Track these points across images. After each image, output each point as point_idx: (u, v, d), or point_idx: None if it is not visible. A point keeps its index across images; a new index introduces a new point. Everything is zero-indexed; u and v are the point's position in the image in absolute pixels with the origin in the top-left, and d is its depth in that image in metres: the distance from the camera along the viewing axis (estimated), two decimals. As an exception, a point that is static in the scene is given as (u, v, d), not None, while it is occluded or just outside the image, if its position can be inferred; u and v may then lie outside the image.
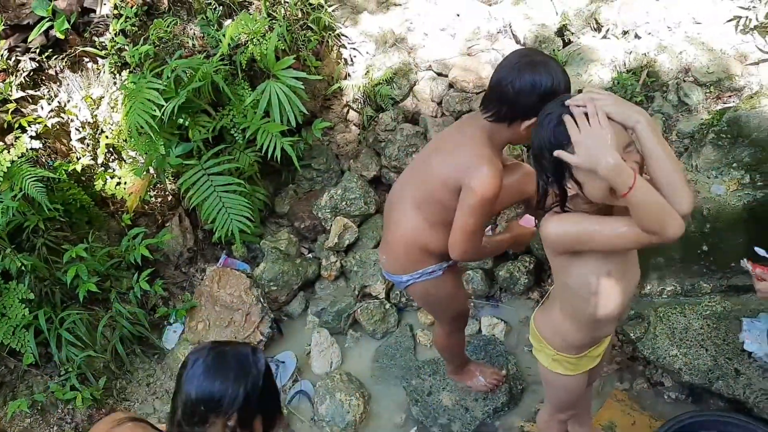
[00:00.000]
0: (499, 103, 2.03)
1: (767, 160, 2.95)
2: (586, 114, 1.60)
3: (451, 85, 4.13)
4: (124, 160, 3.87)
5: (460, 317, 2.73)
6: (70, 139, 3.82)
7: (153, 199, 3.92)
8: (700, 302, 2.95)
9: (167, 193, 3.95)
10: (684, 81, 3.40)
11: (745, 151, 3.00)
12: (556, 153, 1.63)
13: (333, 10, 4.42)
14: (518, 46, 4.31)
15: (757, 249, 2.40)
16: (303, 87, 3.72)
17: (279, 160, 3.74)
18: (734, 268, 2.94)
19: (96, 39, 3.77)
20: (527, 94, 1.95)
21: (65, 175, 3.55)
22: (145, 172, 3.76)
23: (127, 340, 3.53)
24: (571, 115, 1.62)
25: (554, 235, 1.81)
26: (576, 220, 1.77)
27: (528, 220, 2.49)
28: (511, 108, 2.01)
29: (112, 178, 3.81)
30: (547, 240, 1.84)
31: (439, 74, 4.22)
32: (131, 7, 3.72)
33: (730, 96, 3.29)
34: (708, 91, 3.34)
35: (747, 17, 3.34)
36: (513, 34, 4.35)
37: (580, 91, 2.03)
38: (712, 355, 2.77)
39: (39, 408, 3.35)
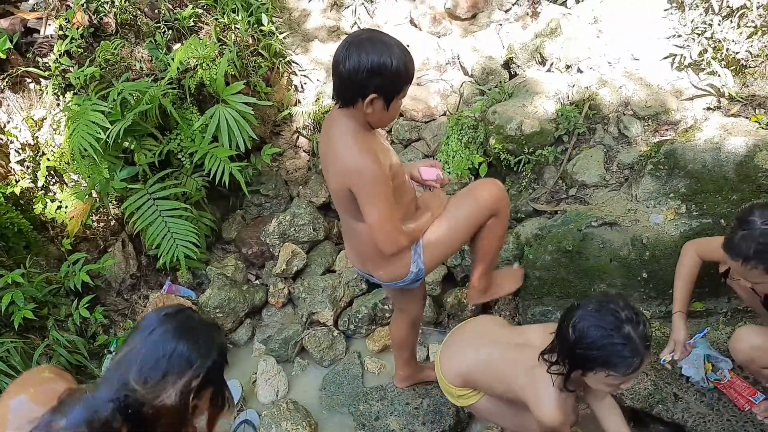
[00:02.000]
0: (340, 86, 2.05)
1: (702, 191, 3.07)
2: None
3: (400, 114, 4.18)
4: (66, 184, 3.77)
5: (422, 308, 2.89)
6: (9, 161, 3.70)
7: (95, 223, 3.82)
8: (641, 328, 3.02)
9: (110, 217, 3.86)
10: (624, 114, 3.53)
11: (681, 182, 3.12)
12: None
13: (284, 38, 4.45)
14: (467, 78, 4.41)
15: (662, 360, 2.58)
16: (253, 112, 3.71)
17: (227, 185, 3.70)
18: (672, 294, 3.04)
19: (39, 59, 3.68)
20: (356, 73, 1.96)
21: (2, 198, 3.43)
22: (87, 196, 3.67)
23: (65, 370, 3.39)
24: None
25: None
26: None
27: (428, 172, 2.50)
28: (348, 89, 2.03)
29: (52, 201, 3.70)
30: None
31: (389, 103, 4.27)
32: (77, 29, 3.65)
33: (666, 129, 3.43)
34: (646, 124, 3.48)
35: (682, 55, 3.51)
36: (461, 66, 4.46)
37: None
38: (652, 379, 2.84)
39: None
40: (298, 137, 4.38)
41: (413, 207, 2.45)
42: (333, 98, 2.11)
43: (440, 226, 2.45)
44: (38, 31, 3.79)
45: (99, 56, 3.66)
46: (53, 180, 3.80)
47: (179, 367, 1.40)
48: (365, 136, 2.13)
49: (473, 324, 2.66)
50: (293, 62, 4.51)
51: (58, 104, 3.73)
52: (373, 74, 1.95)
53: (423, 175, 2.52)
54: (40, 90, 3.75)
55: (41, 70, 3.68)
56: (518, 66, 4.12)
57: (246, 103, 3.69)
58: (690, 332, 2.57)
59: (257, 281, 3.99)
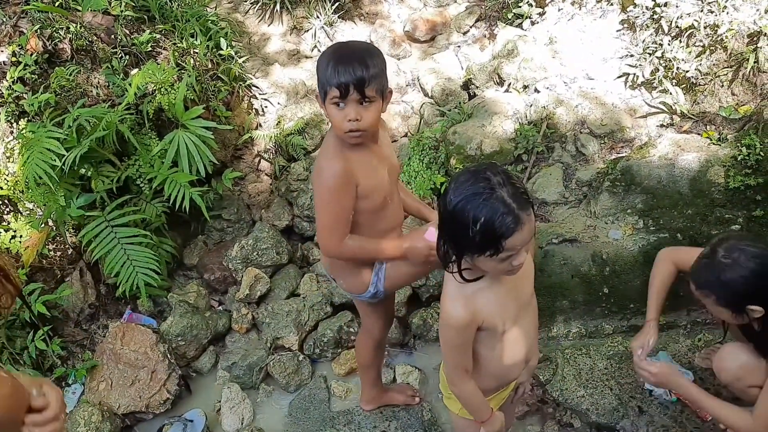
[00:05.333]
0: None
1: (658, 206, 3.14)
2: None
3: (362, 136, 4.19)
4: (21, 212, 3.68)
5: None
6: (-40, 191, 3.60)
7: (51, 252, 3.72)
8: (604, 343, 3.07)
9: (67, 246, 3.77)
10: (581, 132, 3.60)
11: (638, 198, 3.19)
12: None
13: (244, 62, 4.44)
14: (427, 99, 4.46)
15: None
16: (213, 137, 3.69)
17: (188, 210, 3.65)
18: (633, 308, 3.09)
19: (-9, 86, 3.61)
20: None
21: (-47, 229, 3.34)
22: (43, 225, 3.58)
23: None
24: None
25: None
26: None
27: (431, 234, 2.26)
28: (320, 95, 2.06)
29: (6, 231, 3.60)
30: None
31: (350, 125, 4.29)
32: (31, 55, 3.59)
33: (622, 146, 3.51)
34: (602, 141, 3.55)
35: (635, 74, 3.60)
36: (421, 87, 4.51)
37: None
38: (617, 394, 2.87)
39: None
40: (259, 161, 4.35)
41: (394, 235, 2.37)
42: None
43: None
44: (-10, 58, 3.72)
45: (54, 83, 3.60)
46: (7, 209, 3.70)
47: None
48: (343, 148, 2.10)
49: None
50: (253, 86, 4.51)
51: (12, 132, 3.65)
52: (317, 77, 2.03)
53: (428, 238, 2.33)
54: (-7, 117, 3.67)
55: (-7, 97, 3.61)
56: (477, 87, 4.18)
57: (206, 128, 3.66)
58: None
59: (220, 307, 3.93)
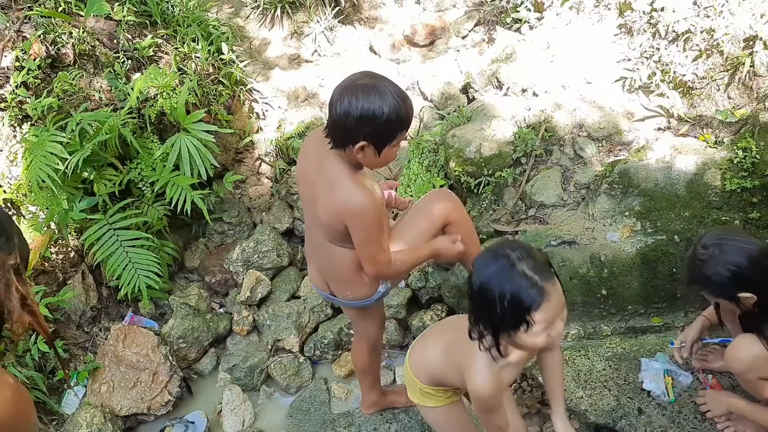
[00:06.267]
0: (332, 128, 2.03)
1: (655, 209, 3.16)
2: None
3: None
4: (24, 216, 3.70)
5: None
6: (-36, 194, 3.62)
7: (54, 255, 3.75)
8: (602, 344, 3.08)
9: (69, 249, 3.80)
10: (579, 136, 3.63)
11: (636, 201, 3.22)
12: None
13: (245, 66, 4.47)
14: (426, 103, 4.49)
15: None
16: (214, 140, 3.72)
17: (189, 213, 3.68)
18: (631, 310, 3.11)
19: (-5, 91, 3.64)
20: (345, 118, 1.94)
21: (-44, 232, 3.35)
22: (45, 228, 3.61)
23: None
24: None
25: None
26: None
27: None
28: (338, 133, 2.01)
29: (9, 234, 3.62)
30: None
31: (351, 129, 4.32)
32: (34, 60, 3.62)
33: (620, 149, 3.54)
34: (600, 145, 3.58)
35: (632, 78, 3.63)
36: (421, 91, 4.53)
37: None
38: (615, 395, 2.88)
39: None
40: (260, 164, 4.39)
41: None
42: (325, 134, 2.08)
43: (400, 246, 2.48)
44: (-6, 63, 3.75)
45: (57, 87, 3.63)
46: (10, 212, 3.72)
47: None
48: (358, 176, 2.13)
49: (440, 323, 2.64)
50: (254, 90, 4.54)
51: (15, 136, 3.68)
52: (362, 122, 1.91)
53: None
54: (-4, 121, 3.70)
55: (-3, 101, 3.64)
56: (476, 91, 4.21)
57: (207, 131, 3.69)
58: (702, 337, 2.65)
59: (221, 309, 3.96)
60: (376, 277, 2.35)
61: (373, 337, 2.83)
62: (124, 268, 3.56)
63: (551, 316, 1.67)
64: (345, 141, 2.03)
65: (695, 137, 3.40)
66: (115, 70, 3.83)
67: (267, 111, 4.52)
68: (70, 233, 3.73)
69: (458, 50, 4.72)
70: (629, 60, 3.69)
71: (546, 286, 1.64)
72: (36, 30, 3.70)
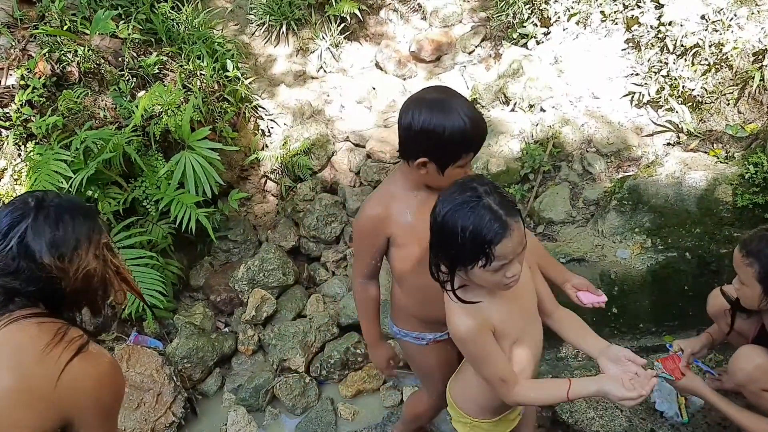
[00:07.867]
0: (399, 139, 1.94)
1: (666, 225, 3.12)
2: None
3: (368, 156, 4.20)
4: (28, 235, 3.68)
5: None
6: (-32, 213, 3.60)
7: (58, 274, 3.72)
8: (613, 364, 3.02)
9: (74, 268, 3.77)
10: (587, 151, 3.59)
11: (646, 217, 3.17)
12: None
13: (250, 83, 4.47)
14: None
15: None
16: (219, 158, 3.70)
17: (194, 231, 3.65)
18: (642, 328, 3.06)
19: (0, 110, 3.63)
20: (408, 131, 1.85)
21: (-40, 251, 3.33)
22: (50, 247, 3.58)
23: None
24: None
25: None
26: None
27: (586, 297, 2.25)
28: (402, 145, 1.93)
29: (13, 253, 3.60)
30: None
31: (357, 145, 4.30)
32: (39, 78, 3.62)
33: (629, 165, 3.50)
34: (609, 160, 3.54)
35: (640, 93, 3.60)
36: (427, 107, 4.50)
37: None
38: (627, 416, 2.82)
39: None
40: (266, 181, 4.36)
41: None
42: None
43: None
44: (-1, 82, 3.75)
45: (61, 105, 3.62)
46: (14, 231, 3.70)
47: (86, 234, 1.46)
48: (395, 190, 2.02)
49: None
50: (259, 107, 4.53)
51: (20, 154, 3.67)
52: (422, 137, 1.82)
53: (582, 300, 2.27)
54: (1, 140, 3.69)
55: (2, 120, 3.63)
56: (483, 106, 4.18)
57: (212, 149, 3.68)
58: (700, 354, 2.56)
59: (226, 329, 3.91)
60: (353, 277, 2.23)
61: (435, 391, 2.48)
62: (128, 287, 3.53)
63: (510, 252, 1.60)
64: (407, 154, 1.92)
65: (705, 152, 3.37)
66: (120, 88, 3.83)
67: (272, 128, 4.51)
68: (74, 252, 3.71)
69: (465, 66, 4.71)
70: (637, 75, 3.66)
71: (509, 221, 1.58)
72: (41, 48, 3.71)
